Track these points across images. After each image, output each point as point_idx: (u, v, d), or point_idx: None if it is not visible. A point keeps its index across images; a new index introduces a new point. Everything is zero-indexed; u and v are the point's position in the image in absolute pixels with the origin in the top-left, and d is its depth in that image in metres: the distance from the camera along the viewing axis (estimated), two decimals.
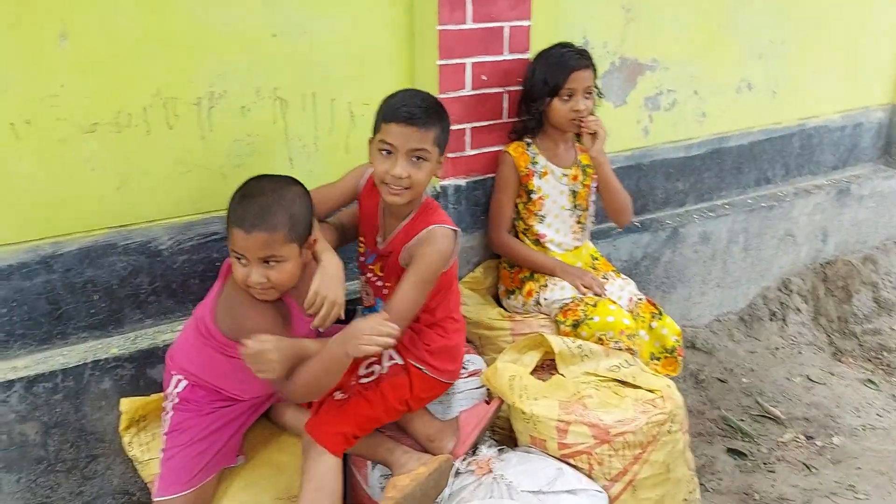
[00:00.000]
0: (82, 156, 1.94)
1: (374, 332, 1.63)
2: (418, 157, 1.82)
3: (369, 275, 2.06)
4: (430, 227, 1.89)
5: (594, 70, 2.35)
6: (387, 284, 2.01)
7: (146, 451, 1.91)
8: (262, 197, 1.67)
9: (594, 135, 2.33)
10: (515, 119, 2.49)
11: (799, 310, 3.38)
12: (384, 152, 1.83)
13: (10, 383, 1.86)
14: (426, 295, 1.88)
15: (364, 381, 1.94)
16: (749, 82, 3.25)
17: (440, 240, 1.88)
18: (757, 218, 3.28)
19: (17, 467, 1.91)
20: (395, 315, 1.76)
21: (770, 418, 2.75)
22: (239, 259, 1.68)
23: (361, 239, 2.07)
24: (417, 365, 1.97)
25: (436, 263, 1.86)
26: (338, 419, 1.85)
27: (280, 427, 2.04)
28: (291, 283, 1.73)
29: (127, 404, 1.94)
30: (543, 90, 2.34)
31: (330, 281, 1.76)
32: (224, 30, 2.04)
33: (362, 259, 2.08)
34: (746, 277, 3.33)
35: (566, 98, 2.33)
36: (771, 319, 3.34)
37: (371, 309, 2.09)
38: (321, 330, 1.80)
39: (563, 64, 2.31)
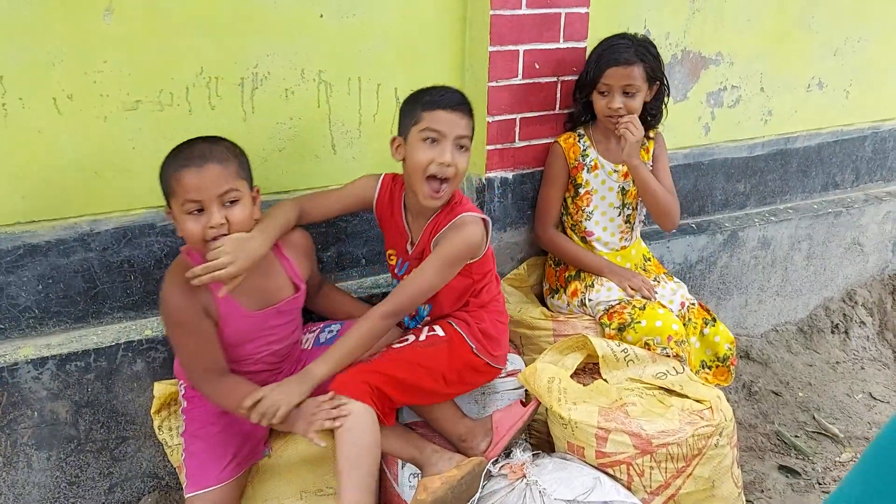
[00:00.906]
0: (124, 133, 1.92)
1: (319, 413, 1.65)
2: (462, 146, 1.79)
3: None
4: (460, 215, 1.84)
5: (647, 66, 2.20)
6: None
7: (175, 436, 1.89)
8: (202, 140, 1.63)
9: (623, 136, 2.19)
10: (569, 109, 2.39)
11: (863, 323, 3.19)
12: (429, 140, 1.77)
13: (44, 360, 1.85)
14: (444, 280, 1.82)
15: (396, 345, 1.88)
16: (820, 80, 3.07)
17: (468, 226, 1.83)
18: (822, 224, 3.10)
19: (47, 445, 1.90)
20: (406, 290, 1.77)
21: (827, 436, 2.59)
22: (191, 211, 1.58)
23: (391, 252, 2.00)
24: (468, 339, 1.89)
25: (458, 248, 1.81)
26: (362, 371, 1.77)
27: None
28: (247, 227, 1.65)
29: (160, 388, 1.92)
30: (587, 81, 2.25)
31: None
32: (271, 10, 1.99)
33: (396, 272, 2.01)
34: (808, 286, 3.16)
35: (603, 94, 2.22)
36: (832, 332, 3.15)
37: (415, 319, 2.02)
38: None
39: (602, 58, 2.20)
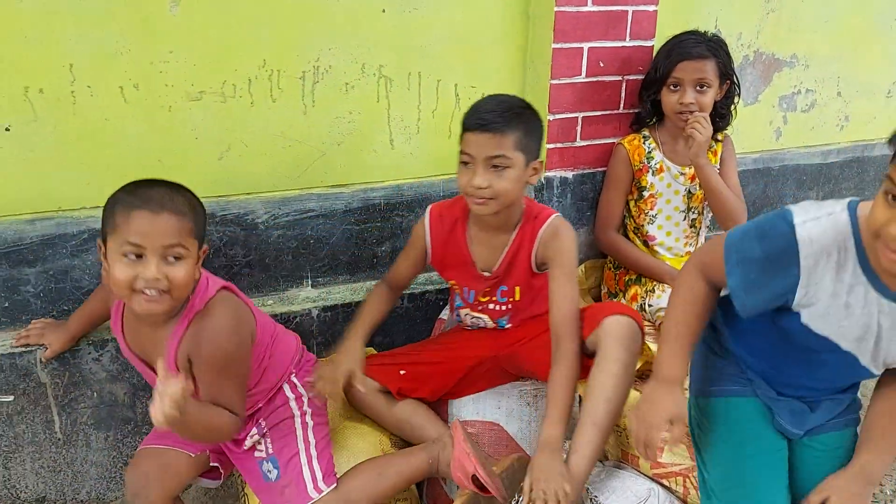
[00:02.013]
0: (187, 123, 1.95)
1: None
2: (496, 166, 1.71)
3: (479, 307, 1.95)
4: (548, 220, 1.82)
5: (719, 62, 2.14)
6: (510, 301, 1.91)
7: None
8: (165, 185, 1.45)
9: (692, 136, 2.12)
10: (634, 109, 2.34)
11: None
12: (463, 164, 1.75)
13: (104, 342, 1.89)
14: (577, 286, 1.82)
15: None
16: None
17: (565, 228, 1.82)
18: None
19: (105, 425, 1.94)
20: (567, 315, 1.74)
21: None
22: (127, 254, 1.38)
23: (453, 283, 1.95)
24: None
25: (574, 251, 1.81)
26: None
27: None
28: (185, 292, 1.45)
29: None
30: (656, 77, 2.18)
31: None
32: (333, 3, 2.00)
33: (464, 300, 1.96)
34: None
35: (673, 88, 2.15)
36: None
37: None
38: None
39: (673, 51, 2.14)
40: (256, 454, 1.67)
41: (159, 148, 1.94)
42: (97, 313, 1.85)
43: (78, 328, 1.85)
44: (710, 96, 2.14)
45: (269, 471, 1.65)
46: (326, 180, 2.14)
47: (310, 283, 2.16)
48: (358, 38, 2.06)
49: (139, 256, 1.38)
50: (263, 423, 1.66)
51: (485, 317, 1.95)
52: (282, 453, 1.65)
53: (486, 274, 1.89)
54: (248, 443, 1.65)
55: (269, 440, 1.67)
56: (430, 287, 2.24)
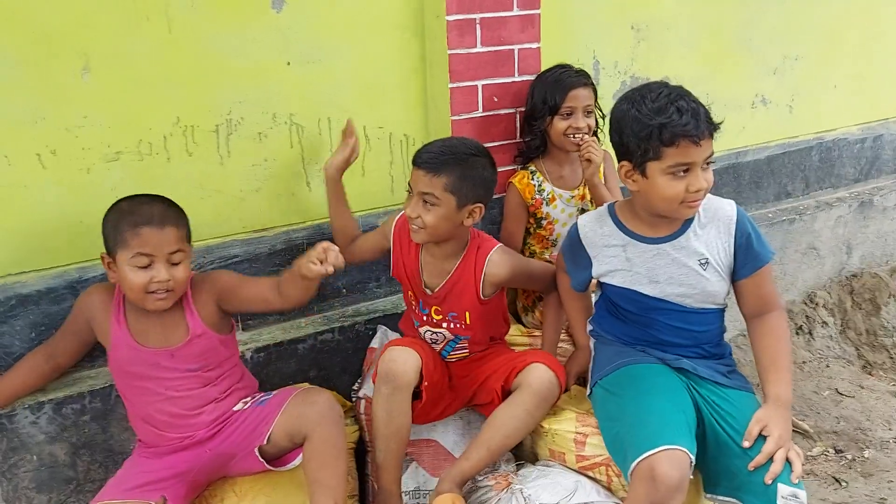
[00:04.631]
0: (106, 183, 2.01)
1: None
2: (426, 201, 1.91)
3: (428, 321, 2.11)
4: (489, 255, 2.03)
5: (594, 89, 2.38)
6: (463, 323, 2.08)
7: None
8: (159, 201, 1.79)
9: (589, 160, 2.32)
10: (520, 140, 2.53)
11: (826, 323, 3.33)
12: (408, 193, 1.97)
13: (40, 405, 1.91)
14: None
15: None
16: (764, 97, 3.26)
17: (506, 255, 2.07)
18: (778, 232, 3.25)
19: (47, 487, 1.95)
20: (550, 276, 2.18)
21: (798, 431, 2.69)
22: (139, 265, 1.72)
23: (410, 292, 2.11)
24: None
25: (520, 262, 2.13)
26: None
27: None
28: (185, 286, 1.82)
29: None
30: (544, 109, 2.37)
31: None
32: (240, 60, 2.12)
33: (417, 310, 2.12)
34: None
35: (566, 115, 2.35)
36: (797, 333, 3.29)
37: (453, 343, 2.14)
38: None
39: (561, 82, 2.35)
40: (247, 406, 1.89)
41: (80, 210, 1.99)
42: (28, 383, 1.90)
43: (5, 396, 1.87)
44: (594, 120, 2.37)
45: (261, 400, 1.88)
46: (248, 226, 2.23)
47: (240, 325, 2.24)
48: (267, 90, 2.17)
49: (148, 264, 1.72)
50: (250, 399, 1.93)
51: (443, 330, 2.10)
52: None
53: (429, 291, 2.06)
54: (238, 406, 1.89)
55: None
56: (359, 318, 2.35)
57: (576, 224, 1.98)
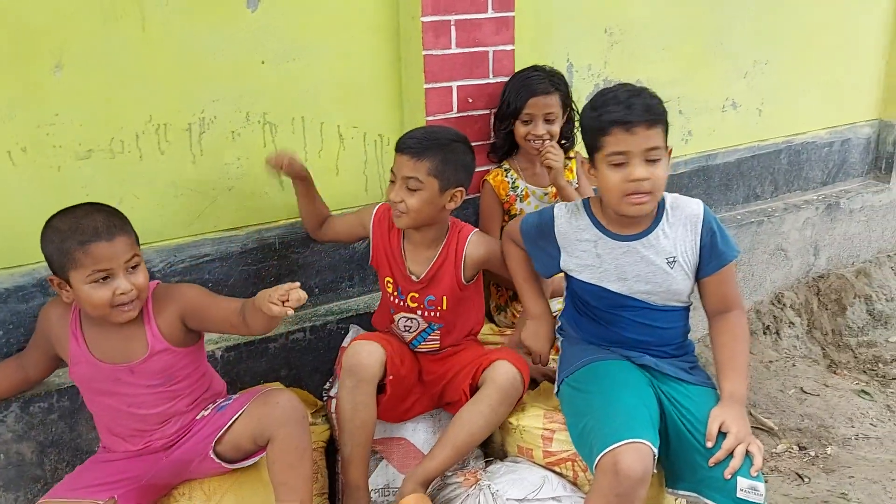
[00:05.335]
0: (77, 181, 2.01)
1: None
2: (410, 186, 1.95)
3: (404, 306, 2.12)
4: (469, 238, 2.09)
5: (562, 94, 2.40)
6: (438, 309, 2.10)
7: None
8: (100, 211, 1.69)
9: (549, 167, 2.36)
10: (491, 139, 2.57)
11: (792, 323, 3.40)
12: (391, 181, 2.00)
13: (7, 403, 1.90)
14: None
15: None
16: (734, 101, 3.32)
17: (484, 239, 2.13)
18: (747, 233, 3.31)
19: (14, 486, 1.94)
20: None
21: (763, 430, 2.76)
22: (97, 280, 1.63)
23: (388, 279, 2.13)
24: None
25: (498, 249, 2.12)
26: None
27: None
28: (147, 292, 1.74)
29: None
30: (508, 112, 2.41)
31: None
32: (214, 58, 2.12)
33: (393, 300, 2.13)
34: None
35: (526, 122, 2.39)
36: (765, 333, 3.35)
37: (426, 332, 2.15)
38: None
39: (523, 88, 2.38)
40: (208, 412, 1.85)
41: (50, 207, 1.93)
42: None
43: None
44: (557, 126, 2.40)
45: (221, 405, 1.84)
46: (220, 224, 2.23)
47: None
48: (240, 89, 2.18)
49: (106, 278, 1.64)
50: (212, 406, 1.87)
51: (417, 317, 2.12)
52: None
53: (415, 278, 2.08)
54: (201, 414, 1.85)
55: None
56: (331, 318, 2.36)
57: (552, 209, 1.95)
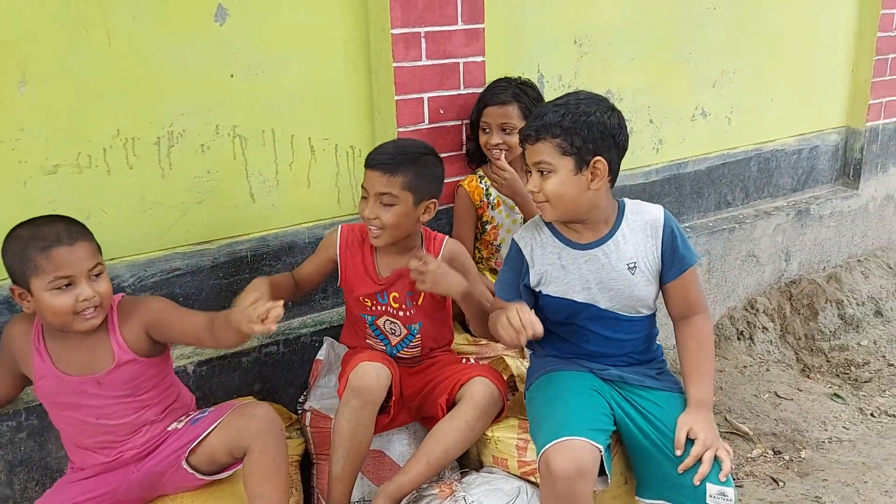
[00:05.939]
0: (45, 196, 1.99)
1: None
2: (384, 202, 1.95)
3: (386, 309, 2.11)
4: (443, 245, 2.11)
5: (522, 105, 2.39)
6: (415, 305, 2.10)
7: None
8: (61, 220, 1.67)
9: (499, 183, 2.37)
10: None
11: (766, 328, 3.44)
12: (363, 197, 1.99)
13: None
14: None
15: None
16: (704, 110, 3.36)
17: (459, 246, 2.15)
18: (719, 240, 3.35)
19: None
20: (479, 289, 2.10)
21: (738, 434, 2.78)
22: (59, 287, 1.61)
23: (361, 297, 2.10)
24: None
25: (471, 260, 2.16)
26: None
27: None
28: (110, 299, 1.72)
29: None
30: (472, 121, 2.46)
31: None
32: (182, 71, 2.11)
33: (372, 308, 2.11)
34: (712, 298, 3.39)
35: (485, 131, 2.41)
36: (738, 339, 3.39)
37: (409, 338, 2.14)
38: None
39: (481, 98, 2.42)
40: (181, 426, 1.82)
41: (16, 223, 1.96)
42: None
43: None
44: (515, 137, 2.36)
45: (196, 418, 1.82)
46: (190, 238, 2.22)
47: None
48: (209, 102, 2.17)
49: (68, 284, 1.62)
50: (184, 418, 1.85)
51: (398, 323, 2.11)
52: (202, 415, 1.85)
53: (385, 276, 2.08)
54: (173, 426, 1.82)
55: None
56: (304, 330, 2.35)
57: (512, 241, 1.97)
